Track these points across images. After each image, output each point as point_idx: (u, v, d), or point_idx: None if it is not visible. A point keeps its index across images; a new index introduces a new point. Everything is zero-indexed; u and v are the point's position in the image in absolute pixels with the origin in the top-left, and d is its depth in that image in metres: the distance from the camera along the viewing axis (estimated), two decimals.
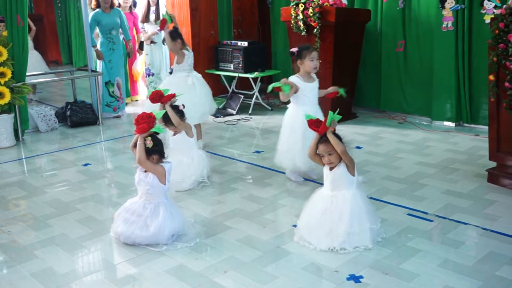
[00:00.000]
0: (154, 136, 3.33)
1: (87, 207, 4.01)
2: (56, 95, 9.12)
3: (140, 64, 7.98)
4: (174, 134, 4.39)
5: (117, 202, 3.98)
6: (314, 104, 4.25)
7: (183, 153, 4.34)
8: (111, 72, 7.02)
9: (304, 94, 4.19)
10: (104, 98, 6.97)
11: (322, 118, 3.95)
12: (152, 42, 7.55)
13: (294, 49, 4.17)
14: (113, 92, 7.04)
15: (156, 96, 4.27)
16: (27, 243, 3.42)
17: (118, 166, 5.04)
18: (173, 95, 4.32)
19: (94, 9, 6.94)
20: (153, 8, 7.45)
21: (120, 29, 7.10)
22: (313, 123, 3.26)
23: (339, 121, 3.29)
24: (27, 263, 3.15)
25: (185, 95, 4.60)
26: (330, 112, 3.20)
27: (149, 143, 3.27)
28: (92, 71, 6.86)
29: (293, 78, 4.17)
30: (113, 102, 7.07)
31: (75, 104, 6.73)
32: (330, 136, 3.17)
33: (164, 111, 3.48)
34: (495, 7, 5.38)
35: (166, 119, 4.29)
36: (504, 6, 3.89)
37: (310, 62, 4.12)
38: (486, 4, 5.50)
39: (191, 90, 5.24)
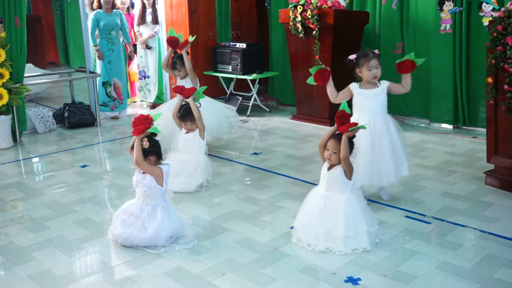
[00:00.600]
0: (150, 137, 3.33)
1: (85, 208, 4.00)
2: (54, 96, 9.10)
3: (136, 65, 7.96)
4: (187, 133, 4.42)
5: (115, 204, 3.98)
6: (377, 112, 3.78)
7: (192, 153, 4.38)
8: (110, 72, 7.01)
9: (360, 101, 3.80)
10: (101, 98, 6.97)
11: (391, 129, 3.79)
12: (147, 47, 7.51)
13: (352, 56, 3.79)
14: (109, 92, 7.04)
15: (178, 88, 4.50)
16: (24, 245, 3.41)
17: (116, 168, 5.03)
18: (195, 89, 4.47)
19: (95, 10, 6.95)
20: (149, 10, 7.44)
21: (120, 31, 7.09)
22: (341, 117, 3.21)
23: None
24: (25, 265, 3.14)
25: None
26: (363, 125, 3.24)
27: (146, 144, 3.28)
28: (90, 72, 6.85)
29: (351, 85, 3.85)
30: (110, 102, 7.06)
31: (73, 105, 6.73)
32: (343, 139, 3.16)
33: (161, 113, 3.52)
34: (493, 9, 5.39)
35: (183, 116, 4.39)
36: (502, 9, 3.90)
37: (368, 72, 3.72)
38: (484, 6, 5.52)
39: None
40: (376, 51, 3.78)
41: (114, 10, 7.02)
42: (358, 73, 3.80)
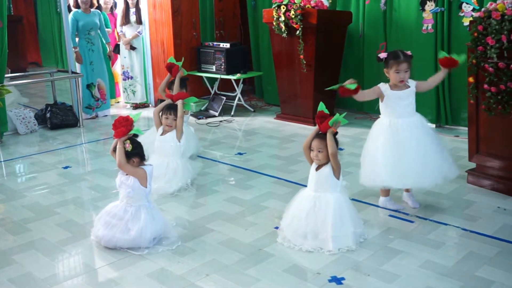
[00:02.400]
0: (133, 139, 3.32)
1: (67, 210, 3.96)
2: (35, 96, 8.99)
3: (120, 66, 7.88)
4: (163, 134, 4.40)
5: (98, 206, 3.95)
6: (409, 113, 3.62)
7: (168, 154, 4.36)
8: (92, 74, 6.95)
9: (392, 104, 3.61)
10: (85, 101, 6.91)
11: (423, 130, 3.57)
12: (132, 48, 7.45)
13: (383, 55, 3.61)
14: (94, 93, 6.98)
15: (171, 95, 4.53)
16: (5, 247, 3.37)
17: (98, 169, 4.99)
18: (186, 95, 4.51)
19: (73, 10, 6.87)
20: (133, 10, 7.38)
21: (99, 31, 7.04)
22: (320, 116, 3.22)
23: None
24: (5, 268, 3.10)
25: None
26: (337, 114, 3.20)
27: (128, 147, 3.26)
28: (73, 72, 6.78)
29: (381, 85, 3.67)
30: (93, 103, 7.01)
31: (55, 106, 6.65)
32: (328, 136, 3.18)
33: (140, 112, 3.54)
34: (473, 9, 5.45)
35: (168, 108, 4.39)
36: (483, 9, 3.94)
37: (396, 74, 3.53)
38: (464, 7, 5.57)
39: None
40: (409, 52, 3.58)
41: (92, 9, 6.95)
42: (386, 73, 3.62)
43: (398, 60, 3.52)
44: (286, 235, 3.32)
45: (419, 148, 3.60)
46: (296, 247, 3.22)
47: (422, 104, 6.06)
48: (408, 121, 3.62)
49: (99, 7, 7.38)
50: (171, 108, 4.38)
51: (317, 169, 3.30)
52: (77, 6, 6.83)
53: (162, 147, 4.38)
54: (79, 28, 6.79)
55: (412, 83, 3.66)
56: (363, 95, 3.65)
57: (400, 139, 3.59)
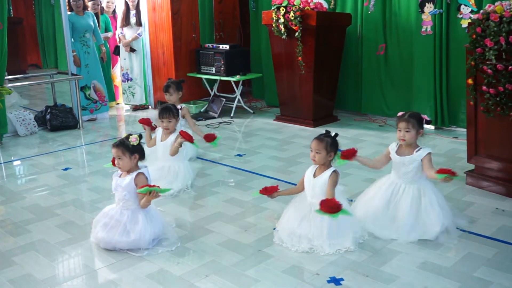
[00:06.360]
0: (141, 135, 3.38)
1: (67, 212, 3.97)
2: (35, 98, 9.01)
3: (120, 67, 7.90)
4: (163, 140, 4.41)
5: (97, 207, 3.95)
6: (408, 180, 3.43)
7: (172, 159, 4.35)
8: (88, 76, 6.95)
9: (394, 166, 3.51)
10: (81, 102, 6.92)
11: (417, 197, 3.39)
12: (131, 50, 7.47)
13: (400, 114, 3.51)
14: (89, 95, 6.99)
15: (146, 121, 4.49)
16: (5, 249, 3.37)
17: (98, 170, 5.00)
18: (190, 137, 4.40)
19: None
20: (133, 12, 7.40)
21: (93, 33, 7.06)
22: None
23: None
24: (6, 270, 3.10)
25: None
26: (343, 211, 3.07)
27: (135, 141, 3.30)
28: (73, 74, 6.80)
29: (390, 146, 3.55)
30: (90, 104, 7.02)
31: (55, 108, 6.66)
32: (329, 183, 3.23)
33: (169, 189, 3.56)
34: (472, 11, 5.47)
35: (160, 113, 4.38)
36: (481, 11, 3.96)
37: (398, 132, 3.44)
38: (463, 9, 5.59)
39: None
40: (425, 116, 3.51)
41: (86, 11, 6.97)
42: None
43: (400, 119, 3.43)
44: (281, 236, 3.34)
45: (408, 204, 3.40)
46: (293, 248, 3.23)
47: (422, 105, 6.10)
48: (407, 187, 3.44)
49: (100, 10, 7.41)
50: (163, 112, 4.39)
51: (315, 175, 3.31)
52: (70, 9, 6.85)
53: (165, 152, 4.38)
54: (74, 31, 6.81)
55: (424, 152, 3.42)
56: (378, 162, 3.59)
57: (394, 199, 3.45)
